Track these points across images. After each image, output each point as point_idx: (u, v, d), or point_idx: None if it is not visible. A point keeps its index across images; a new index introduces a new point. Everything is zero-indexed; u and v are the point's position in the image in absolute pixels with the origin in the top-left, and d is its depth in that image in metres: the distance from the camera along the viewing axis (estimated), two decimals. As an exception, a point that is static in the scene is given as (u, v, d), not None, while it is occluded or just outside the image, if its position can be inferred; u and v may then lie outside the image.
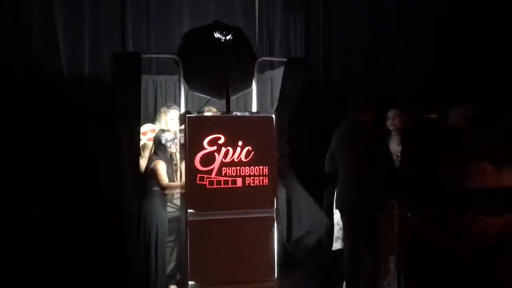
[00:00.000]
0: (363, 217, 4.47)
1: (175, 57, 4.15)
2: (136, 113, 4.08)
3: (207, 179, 3.76)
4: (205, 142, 3.75)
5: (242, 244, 3.84)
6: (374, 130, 4.55)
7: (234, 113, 3.94)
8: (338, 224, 5.02)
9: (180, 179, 4.51)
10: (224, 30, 3.89)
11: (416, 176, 4.21)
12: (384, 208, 4.40)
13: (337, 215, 5.01)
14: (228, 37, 3.87)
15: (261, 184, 3.87)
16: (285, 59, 4.49)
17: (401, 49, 6.26)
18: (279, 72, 5.04)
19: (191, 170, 3.74)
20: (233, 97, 4.44)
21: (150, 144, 4.92)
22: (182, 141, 3.92)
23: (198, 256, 3.76)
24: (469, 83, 5.49)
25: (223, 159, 3.79)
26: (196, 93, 4.48)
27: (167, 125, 5.13)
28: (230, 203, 3.82)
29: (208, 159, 3.76)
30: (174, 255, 5.09)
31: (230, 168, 3.80)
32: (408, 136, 4.39)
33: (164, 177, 4.60)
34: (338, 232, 5.03)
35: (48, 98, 4.81)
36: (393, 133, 4.74)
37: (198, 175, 3.74)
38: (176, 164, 5.06)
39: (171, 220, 4.93)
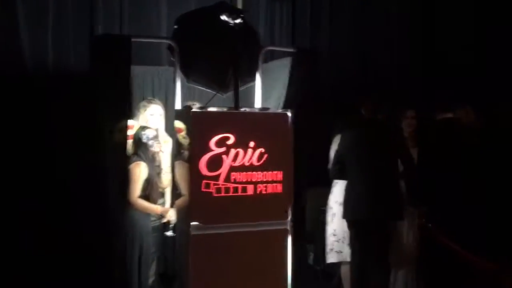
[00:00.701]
0: (377, 227, 4.02)
1: (170, 42, 3.57)
2: (125, 109, 3.47)
3: (214, 186, 3.21)
4: (212, 143, 3.19)
5: (251, 261, 3.31)
6: (394, 128, 4.11)
7: (243, 109, 3.40)
8: (335, 235, 4.55)
9: (174, 184, 4.01)
10: (232, 12, 3.34)
11: (437, 183, 3.79)
12: (401, 217, 3.98)
13: (333, 225, 4.54)
14: (237, 21, 3.32)
15: (274, 191, 3.36)
16: (293, 50, 3.97)
17: (394, 42, 5.86)
18: (273, 65, 4.52)
19: (195, 176, 3.17)
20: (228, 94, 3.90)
21: (130, 142, 4.31)
22: (178, 141, 3.38)
23: (202, 275, 3.20)
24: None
25: (232, 162, 3.24)
26: (194, 85, 3.90)
27: (147, 122, 4.53)
28: (239, 214, 3.29)
29: (215, 162, 3.20)
30: (154, 268, 4.51)
31: (240, 173, 3.26)
32: (426, 138, 3.96)
33: (136, 188, 3.99)
34: (333, 244, 4.56)
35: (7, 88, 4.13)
36: (407, 135, 4.30)
37: (204, 181, 3.18)
38: (159, 166, 4.47)
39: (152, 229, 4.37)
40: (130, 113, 3.58)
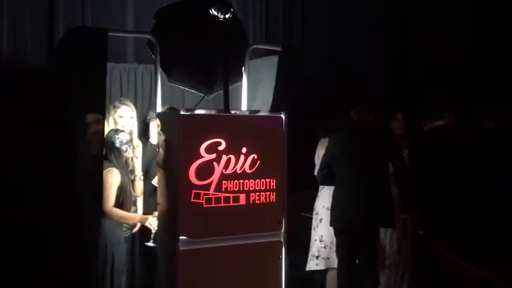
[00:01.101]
0: (367, 234, 3.86)
1: (150, 37, 3.24)
2: (101, 109, 3.11)
3: (204, 196, 2.93)
4: (202, 149, 2.91)
5: (244, 276, 3.04)
6: (386, 131, 3.95)
7: (233, 112, 3.13)
8: (322, 241, 4.37)
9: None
10: (222, 6, 3.06)
11: (429, 190, 3.65)
12: (393, 225, 3.82)
13: (320, 230, 4.35)
14: (227, 15, 3.04)
15: (267, 201, 3.10)
16: (279, 49, 3.72)
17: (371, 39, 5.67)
18: (255, 65, 4.26)
19: (184, 185, 2.88)
20: (212, 95, 3.62)
21: None
22: (160, 145, 3.08)
23: (190, 294, 2.92)
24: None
25: (224, 170, 2.96)
26: (177, 85, 3.58)
27: (116, 124, 4.19)
28: (231, 226, 3.02)
29: (206, 170, 2.92)
30: (124, 282, 4.18)
31: (231, 181, 2.99)
32: (419, 143, 3.80)
33: (110, 196, 3.65)
34: (320, 250, 4.37)
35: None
36: (398, 138, 4.15)
37: (193, 191, 2.89)
38: (133, 171, 4.14)
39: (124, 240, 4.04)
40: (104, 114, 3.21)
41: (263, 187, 3.08)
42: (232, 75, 3.40)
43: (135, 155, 4.01)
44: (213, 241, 2.98)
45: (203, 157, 2.90)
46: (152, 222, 3.91)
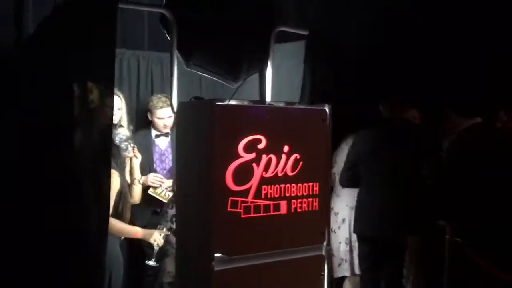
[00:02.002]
0: (395, 245, 3.46)
1: (165, 12, 2.68)
2: (111, 95, 2.53)
3: (242, 205, 2.42)
4: (240, 147, 2.40)
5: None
6: (422, 129, 3.54)
7: (270, 104, 2.63)
8: (347, 244, 3.93)
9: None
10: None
11: (468, 195, 3.29)
12: (426, 233, 3.44)
13: (343, 232, 3.91)
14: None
15: (310, 208, 2.63)
16: (306, 33, 3.24)
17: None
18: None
19: (219, 191, 2.36)
20: (238, 83, 3.09)
21: None
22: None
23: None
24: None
25: (264, 172, 2.47)
26: (195, 71, 3.02)
27: None
28: (270, 239, 2.52)
29: (244, 173, 2.41)
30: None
31: (272, 186, 2.50)
32: (456, 144, 3.42)
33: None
34: (346, 254, 3.93)
35: None
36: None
37: (230, 198, 2.38)
38: (131, 173, 3.56)
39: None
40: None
41: (305, 192, 2.61)
42: (256, 60, 2.93)
43: (135, 154, 3.44)
44: (249, 258, 2.48)
45: (241, 157, 2.40)
46: (157, 239, 3.39)
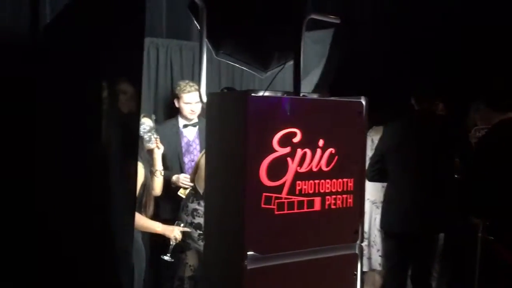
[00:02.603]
0: (425, 242, 3.36)
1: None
2: (138, 86, 2.43)
3: (276, 201, 2.32)
4: (275, 141, 2.29)
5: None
6: (454, 123, 3.43)
7: (303, 95, 2.52)
8: (365, 239, 3.85)
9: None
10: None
11: (502, 192, 3.17)
12: (458, 230, 3.33)
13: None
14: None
15: (344, 205, 2.53)
16: (338, 21, 3.12)
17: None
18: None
19: (253, 187, 2.26)
20: (267, 73, 2.98)
21: None
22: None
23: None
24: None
25: (298, 168, 2.37)
26: (225, 60, 2.91)
27: None
28: (303, 237, 2.43)
29: (278, 168, 2.31)
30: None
31: (306, 182, 2.40)
32: (488, 138, 3.30)
33: None
34: (365, 249, 3.84)
35: None
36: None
37: (264, 194, 2.28)
38: (153, 165, 3.47)
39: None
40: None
41: (340, 188, 2.51)
42: (287, 49, 2.80)
43: (158, 145, 3.35)
44: (281, 256, 2.39)
45: (276, 151, 2.29)
46: (178, 235, 3.32)
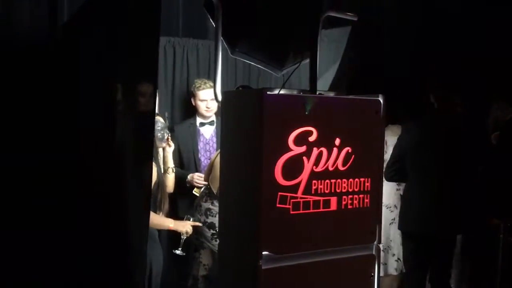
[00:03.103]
0: (445, 243, 3.30)
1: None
2: (153, 85, 2.42)
3: (291, 201, 2.29)
4: (290, 139, 2.27)
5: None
6: (475, 122, 3.36)
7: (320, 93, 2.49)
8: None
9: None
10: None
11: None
12: (478, 231, 3.27)
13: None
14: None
15: (361, 205, 2.49)
16: (355, 18, 3.08)
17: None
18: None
19: (268, 186, 2.23)
20: (283, 71, 2.95)
21: None
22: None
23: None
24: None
25: (314, 167, 2.34)
26: (240, 59, 2.90)
27: None
28: (319, 237, 2.40)
29: (294, 167, 2.28)
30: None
31: (322, 181, 2.36)
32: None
33: None
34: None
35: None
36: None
37: (279, 193, 2.26)
38: (165, 162, 3.47)
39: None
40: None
41: (356, 188, 2.47)
42: (303, 47, 2.77)
43: (169, 143, 3.36)
44: (296, 256, 2.36)
45: (291, 150, 2.27)
46: (189, 229, 3.33)
